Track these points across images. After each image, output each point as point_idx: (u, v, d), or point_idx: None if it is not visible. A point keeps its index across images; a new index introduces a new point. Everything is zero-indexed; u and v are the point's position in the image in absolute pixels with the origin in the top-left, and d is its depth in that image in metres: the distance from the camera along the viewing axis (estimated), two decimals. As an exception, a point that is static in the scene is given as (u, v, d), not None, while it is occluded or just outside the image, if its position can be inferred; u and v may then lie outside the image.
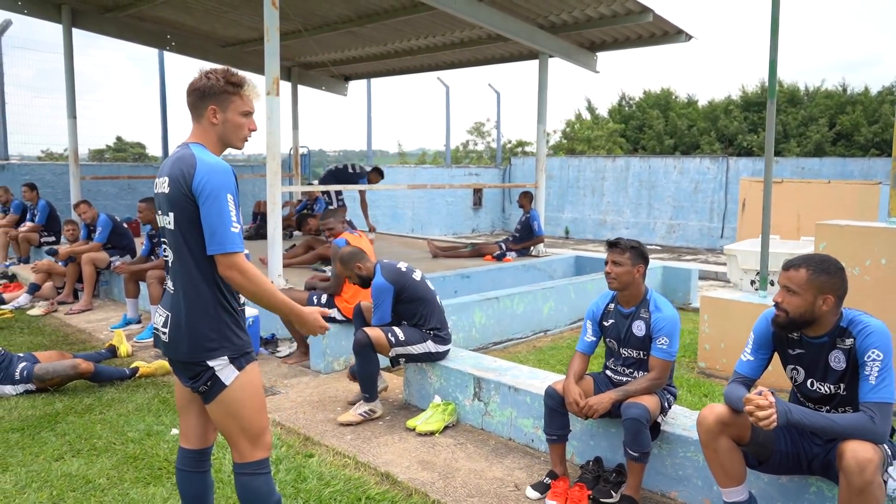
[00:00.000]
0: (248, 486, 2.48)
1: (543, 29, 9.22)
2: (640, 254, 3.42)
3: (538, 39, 9.15)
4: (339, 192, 10.68)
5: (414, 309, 4.43)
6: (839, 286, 2.65)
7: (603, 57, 10.19)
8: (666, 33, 9.17)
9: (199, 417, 2.58)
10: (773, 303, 2.76)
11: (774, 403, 2.50)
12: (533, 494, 3.42)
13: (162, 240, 2.53)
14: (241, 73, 2.49)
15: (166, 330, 2.44)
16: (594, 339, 3.58)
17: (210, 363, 2.38)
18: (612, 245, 3.45)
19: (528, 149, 24.58)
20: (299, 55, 12.53)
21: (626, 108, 26.25)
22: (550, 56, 9.64)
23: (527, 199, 9.64)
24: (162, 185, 2.42)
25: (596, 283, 7.75)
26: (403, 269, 4.49)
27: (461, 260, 9.17)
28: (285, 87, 14.21)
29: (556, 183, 18.47)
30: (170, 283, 2.47)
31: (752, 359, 2.89)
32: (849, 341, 2.66)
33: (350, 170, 10.41)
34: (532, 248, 9.55)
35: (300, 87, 13.67)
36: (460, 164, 21.33)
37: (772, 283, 6.00)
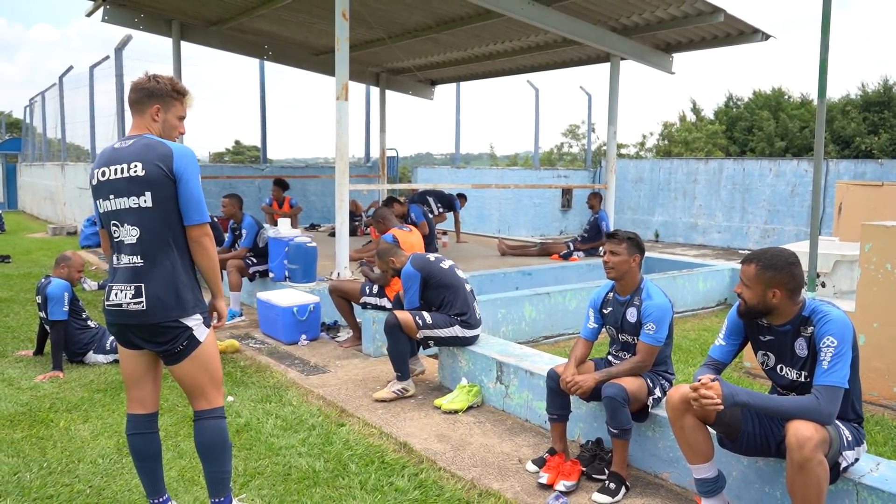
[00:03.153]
0: (216, 428, 2.84)
1: (616, 32, 9.32)
2: (636, 244, 3.62)
3: (609, 42, 9.26)
4: (437, 202, 11.26)
5: (441, 295, 4.78)
6: (788, 280, 2.77)
7: (685, 56, 10.15)
8: (742, 33, 9.05)
9: (153, 384, 2.91)
10: (735, 293, 2.91)
11: (719, 388, 2.67)
12: (531, 468, 3.68)
13: (112, 222, 2.73)
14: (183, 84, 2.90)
15: (142, 299, 2.67)
16: (596, 325, 3.80)
17: (189, 323, 2.73)
18: (610, 236, 3.66)
19: (622, 151, 24.31)
20: (386, 61, 13.14)
21: (734, 109, 25.45)
22: (622, 59, 9.73)
23: (596, 199, 9.76)
24: (132, 170, 2.66)
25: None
26: (432, 259, 4.86)
27: (528, 258, 9.42)
28: (374, 92, 14.92)
29: (647, 185, 18.24)
30: (128, 259, 2.70)
31: (723, 343, 3.05)
32: (810, 329, 2.78)
33: (447, 193, 11.39)
34: (600, 248, 9.65)
35: (388, 92, 14.29)
36: (550, 167, 21.41)
37: (822, 285, 5.91)
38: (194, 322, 2.76)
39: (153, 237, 2.69)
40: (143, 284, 2.68)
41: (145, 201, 2.68)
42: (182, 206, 2.72)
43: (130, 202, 2.69)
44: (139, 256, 2.69)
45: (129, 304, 2.68)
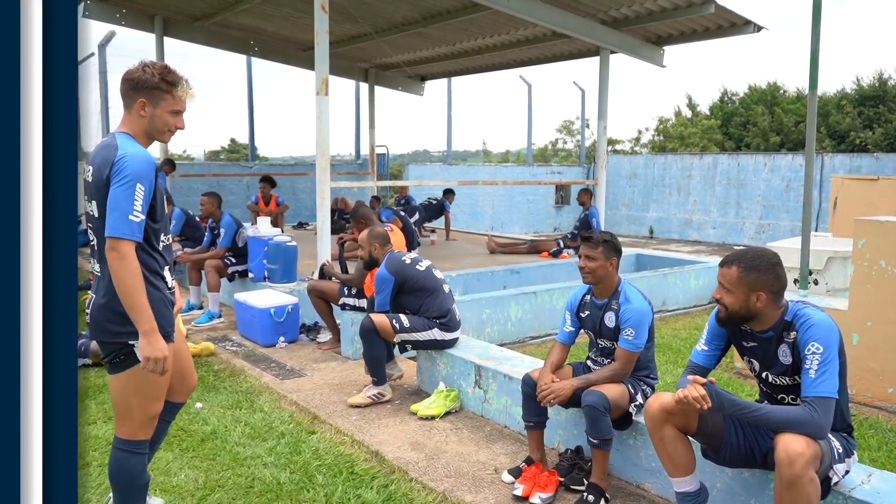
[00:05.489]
0: (124, 462, 2.59)
1: (605, 24, 9.13)
2: (612, 247, 3.44)
3: (598, 35, 9.07)
4: (426, 213, 11.41)
5: (419, 299, 4.59)
6: (772, 282, 2.58)
7: (680, 51, 9.98)
8: (733, 25, 8.86)
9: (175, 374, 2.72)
10: (713, 299, 2.74)
11: (706, 389, 2.50)
12: (507, 478, 3.49)
13: (88, 225, 2.58)
14: (179, 72, 2.55)
15: (89, 311, 2.52)
16: (573, 329, 3.63)
17: (130, 340, 2.46)
18: (586, 239, 3.48)
19: (617, 146, 24.14)
20: (375, 57, 12.94)
21: (729, 105, 25.26)
22: (612, 52, 9.55)
23: (587, 195, 9.58)
24: (86, 174, 2.49)
25: (645, 281, 7.61)
26: (407, 262, 4.67)
27: (517, 256, 9.24)
28: (363, 88, 14.72)
29: (641, 181, 18.07)
30: (97, 267, 2.55)
31: (705, 349, 2.87)
32: (793, 335, 2.60)
33: (434, 201, 11.58)
34: (591, 245, 9.47)
35: (379, 89, 14.09)
36: (544, 163, 21.24)
37: (815, 282, 5.74)
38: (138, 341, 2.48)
39: (103, 248, 2.46)
40: (94, 296, 2.53)
41: (92, 210, 2.50)
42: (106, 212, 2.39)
43: (87, 208, 2.54)
44: (98, 265, 2.55)
45: (86, 313, 2.55)
